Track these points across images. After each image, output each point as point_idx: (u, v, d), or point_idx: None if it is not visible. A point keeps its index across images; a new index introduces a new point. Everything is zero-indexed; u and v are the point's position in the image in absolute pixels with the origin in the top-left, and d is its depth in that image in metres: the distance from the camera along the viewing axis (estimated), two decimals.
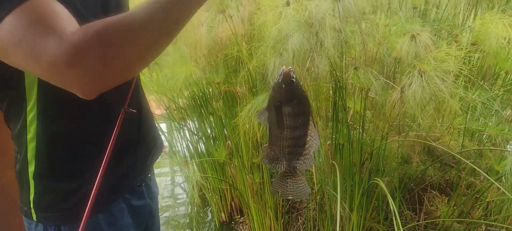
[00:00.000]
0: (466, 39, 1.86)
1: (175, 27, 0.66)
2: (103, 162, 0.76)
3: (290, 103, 0.73)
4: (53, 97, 0.77)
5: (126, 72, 0.64)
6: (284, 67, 0.72)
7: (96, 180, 0.75)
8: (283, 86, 0.72)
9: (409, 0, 2.45)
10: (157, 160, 1.08)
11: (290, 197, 0.82)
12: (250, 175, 2.53)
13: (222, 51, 1.96)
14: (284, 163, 0.79)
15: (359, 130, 2.14)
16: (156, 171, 1.19)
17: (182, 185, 3.80)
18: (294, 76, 0.73)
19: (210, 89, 2.50)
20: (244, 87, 2.11)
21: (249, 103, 1.56)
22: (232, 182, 2.86)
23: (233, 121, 1.87)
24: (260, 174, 2.52)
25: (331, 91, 1.81)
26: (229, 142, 2.62)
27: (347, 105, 2.01)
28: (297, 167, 0.80)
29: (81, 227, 0.73)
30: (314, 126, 0.77)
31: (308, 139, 0.77)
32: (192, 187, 2.84)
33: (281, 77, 0.72)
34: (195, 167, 2.95)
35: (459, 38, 1.88)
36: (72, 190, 0.85)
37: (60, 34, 0.58)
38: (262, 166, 2.52)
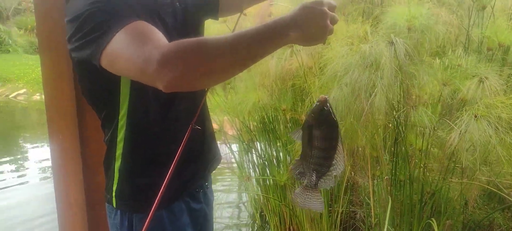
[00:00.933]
0: None
1: (250, 61, 0.82)
2: (171, 167, 0.94)
3: (320, 127, 0.84)
4: (139, 111, 0.99)
5: (199, 83, 0.81)
6: (322, 95, 0.84)
7: (165, 179, 0.94)
8: (318, 111, 0.83)
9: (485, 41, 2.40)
10: (222, 176, 1.25)
11: (306, 207, 0.92)
12: None
13: (289, 81, 2.12)
14: (308, 177, 0.90)
15: (422, 167, 2.13)
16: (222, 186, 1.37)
17: (245, 204, 3.97)
18: (328, 104, 0.83)
19: (278, 115, 2.66)
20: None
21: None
22: (292, 206, 2.95)
23: (290, 146, 1.99)
24: None
25: (391, 126, 1.86)
26: (292, 166, 2.74)
27: (410, 142, 2.03)
28: (318, 184, 0.90)
29: (148, 218, 0.92)
30: (342, 152, 0.87)
31: (333, 162, 0.88)
32: (253, 200, 2.98)
33: (317, 103, 0.84)
34: (256, 184, 3.10)
35: None
36: (145, 186, 1.05)
37: (156, 44, 0.78)
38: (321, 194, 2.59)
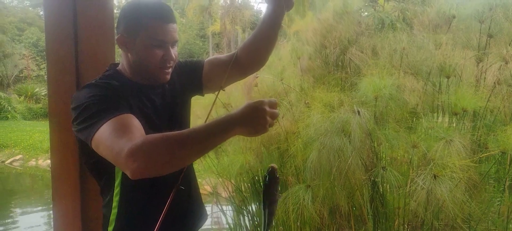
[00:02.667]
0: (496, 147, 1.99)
1: (204, 151, 0.98)
2: (157, 225, 1.09)
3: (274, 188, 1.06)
4: (130, 182, 1.16)
5: (160, 172, 0.95)
6: (272, 164, 1.05)
7: None
8: (271, 179, 1.05)
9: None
10: None
11: None
12: None
13: (275, 144, 2.30)
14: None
15: (402, 225, 2.25)
16: None
17: None
18: (271, 173, 1.05)
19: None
20: (293, 177, 2.39)
21: (284, 193, 1.83)
22: None
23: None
24: None
25: (365, 189, 2.01)
26: (281, 227, 2.84)
27: (387, 201, 2.18)
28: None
29: None
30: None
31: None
32: None
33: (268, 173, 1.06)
34: None
35: (488, 146, 2.01)
36: None
37: (129, 138, 0.94)
38: None
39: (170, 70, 1.20)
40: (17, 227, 6.25)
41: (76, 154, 1.45)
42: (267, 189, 1.07)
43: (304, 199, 1.86)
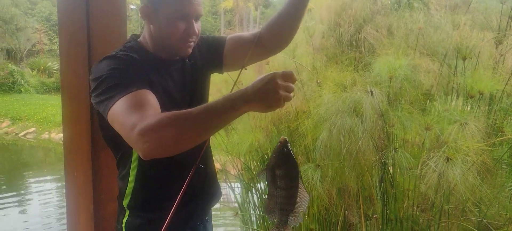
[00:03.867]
0: None
1: (213, 129, 0.94)
2: (175, 203, 1.09)
3: (281, 167, 0.91)
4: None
5: (171, 152, 0.92)
6: (282, 137, 0.94)
7: (168, 215, 1.09)
8: (278, 152, 0.91)
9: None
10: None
11: None
12: None
13: (285, 123, 2.29)
14: (278, 216, 0.97)
15: (411, 207, 2.24)
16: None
17: None
18: (288, 145, 0.91)
19: None
20: (303, 156, 2.39)
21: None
22: None
23: None
24: None
25: (375, 170, 1.99)
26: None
27: (398, 182, 2.16)
28: (288, 222, 0.97)
29: None
30: (304, 189, 0.96)
31: (297, 199, 0.95)
32: None
33: (278, 145, 0.91)
34: (255, 223, 3.18)
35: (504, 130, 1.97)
36: (151, 220, 1.20)
37: (142, 116, 0.92)
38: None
39: (192, 44, 1.18)
40: (31, 197, 6.43)
41: (88, 127, 1.46)
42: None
43: (313, 178, 1.85)
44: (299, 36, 2.81)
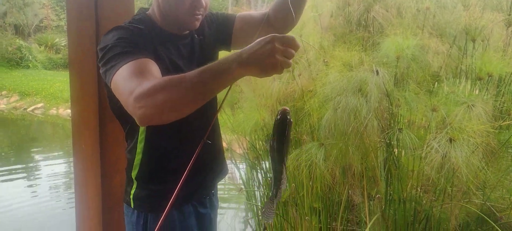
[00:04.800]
0: None
1: (208, 94, 0.91)
2: (183, 176, 1.11)
3: (274, 137, 0.93)
4: (156, 127, 1.17)
5: (166, 118, 0.91)
6: (283, 107, 0.94)
7: (176, 186, 1.11)
8: (274, 122, 0.93)
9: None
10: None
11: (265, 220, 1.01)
12: (307, 217, 2.74)
13: (290, 102, 2.29)
14: (273, 189, 0.99)
15: (414, 188, 2.25)
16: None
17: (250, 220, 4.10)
18: (284, 115, 0.91)
19: None
20: (308, 136, 2.40)
21: (297, 150, 1.84)
22: (293, 223, 3.07)
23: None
24: (317, 218, 2.71)
25: (380, 150, 2.00)
26: (294, 184, 2.88)
27: (402, 163, 2.17)
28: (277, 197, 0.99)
29: (163, 217, 1.09)
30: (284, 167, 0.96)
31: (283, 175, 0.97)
32: (255, 216, 3.10)
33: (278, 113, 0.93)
34: (259, 200, 3.23)
35: None
36: (159, 191, 1.23)
37: (140, 81, 0.92)
38: (318, 211, 2.72)
39: (200, 17, 1.18)
40: (39, 172, 6.56)
41: (95, 100, 1.48)
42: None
43: (316, 157, 1.87)
44: (307, 14, 2.78)
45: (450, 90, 2.34)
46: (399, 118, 1.96)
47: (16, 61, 16.16)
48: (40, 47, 19.04)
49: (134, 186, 1.24)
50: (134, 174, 1.23)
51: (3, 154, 7.72)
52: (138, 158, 1.22)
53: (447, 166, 1.76)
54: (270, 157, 0.98)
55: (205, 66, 0.90)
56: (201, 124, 1.24)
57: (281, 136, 0.94)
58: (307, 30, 2.51)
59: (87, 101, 1.50)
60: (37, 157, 7.62)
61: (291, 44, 0.88)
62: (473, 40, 2.34)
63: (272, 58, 0.85)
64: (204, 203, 1.36)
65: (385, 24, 2.29)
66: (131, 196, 1.25)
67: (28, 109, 12.02)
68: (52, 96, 12.40)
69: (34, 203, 4.97)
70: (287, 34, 0.89)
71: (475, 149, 1.82)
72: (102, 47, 1.06)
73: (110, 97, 1.15)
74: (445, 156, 1.75)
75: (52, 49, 19.34)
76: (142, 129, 1.19)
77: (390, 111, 1.80)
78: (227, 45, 1.38)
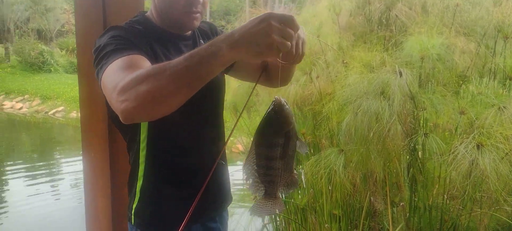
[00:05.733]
0: None
1: (195, 82, 0.79)
2: (195, 201, 1.03)
3: (270, 132, 0.81)
4: (159, 135, 1.10)
5: (153, 110, 0.80)
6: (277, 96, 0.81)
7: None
8: (271, 113, 0.80)
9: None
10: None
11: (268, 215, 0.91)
12: (327, 225, 2.64)
13: (308, 106, 2.20)
14: (268, 187, 0.87)
15: (441, 195, 2.12)
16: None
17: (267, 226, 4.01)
18: (281, 106, 0.80)
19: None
20: (327, 140, 2.30)
21: (315, 156, 1.74)
22: None
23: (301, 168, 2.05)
24: (337, 225, 2.61)
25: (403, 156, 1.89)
26: (312, 189, 2.78)
27: (428, 169, 2.05)
28: (280, 192, 0.88)
29: None
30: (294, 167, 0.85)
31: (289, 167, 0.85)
32: (273, 222, 3.01)
33: (271, 107, 0.80)
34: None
35: None
36: (162, 208, 1.14)
37: (126, 75, 0.82)
38: (338, 217, 2.62)
39: (197, 15, 1.10)
40: (61, 172, 6.68)
41: (104, 107, 1.42)
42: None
43: (335, 164, 1.77)
44: (325, 14, 2.68)
45: (478, 91, 2.21)
46: (423, 121, 1.84)
47: (39, 66, 16.55)
48: (61, 51, 19.46)
49: (136, 199, 1.16)
50: (137, 186, 1.15)
51: (27, 155, 7.89)
52: (141, 168, 1.14)
53: (474, 173, 1.63)
54: (260, 152, 0.84)
55: (192, 51, 0.79)
56: (206, 132, 1.17)
57: (280, 129, 0.82)
58: (325, 30, 2.41)
59: (96, 108, 1.45)
60: (59, 158, 7.78)
61: (290, 24, 0.76)
62: (506, 38, 2.20)
63: (268, 38, 0.73)
64: (214, 218, 1.28)
65: (408, 22, 2.17)
66: (133, 211, 1.17)
67: (49, 113, 12.27)
68: (72, 99, 12.62)
69: (56, 202, 5.07)
70: (286, 13, 0.77)
71: (505, 155, 1.69)
72: (96, 48, 1.00)
73: (108, 104, 1.10)
74: (473, 163, 1.63)
75: (73, 53, 19.73)
76: (143, 137, 1.11)
77: (415, 115, 1.69)
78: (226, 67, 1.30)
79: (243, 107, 1.06)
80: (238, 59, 0.79)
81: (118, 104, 0.80)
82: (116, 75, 0.86)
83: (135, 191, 1.16)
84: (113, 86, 0.83)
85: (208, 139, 1.17)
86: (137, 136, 1.12)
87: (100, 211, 1.50)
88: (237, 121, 1.19)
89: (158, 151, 1.13)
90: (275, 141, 0.82)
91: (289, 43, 0.76)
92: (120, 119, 0.82)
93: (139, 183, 1.15)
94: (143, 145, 1.12)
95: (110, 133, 1.44)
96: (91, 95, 1.48)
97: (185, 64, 0.78)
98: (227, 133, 1.37)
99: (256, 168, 0.86)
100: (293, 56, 0.86)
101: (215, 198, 1.24)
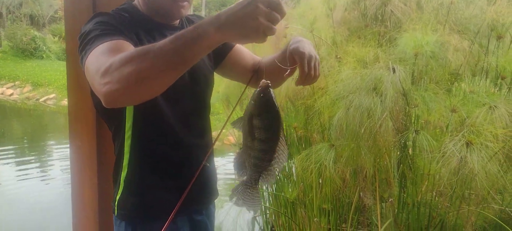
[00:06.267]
0: None
1: (180, 65, 0.79)
2: (182, 197, 1.02)
3: (260, 116, 0.79)
4: (144, 124, 1.08)
5: (137, 92, 0.78)
6: (264, 81, 0.80)
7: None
8: (257, 98, 0.79)
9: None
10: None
11: (243, 206, 0.89)
12: (316, 219, 2.65)
13: (300, 100, 2.19)
14: (249, 173, 0.86)
15: (429, 192, 2.13)
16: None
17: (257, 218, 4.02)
18: (270, 91, 0.79)
19: (290, 132, 2.72)
20: (318, 134, 2.29)
21: (306, 150, 1.73)
22: (302, 224, 2.98)
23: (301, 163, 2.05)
24: (326, 219, 2.61)
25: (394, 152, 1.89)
26: (302, 183, 2.79)
27: (417, 166, 2.05)
28: (260, 180, 0.87)
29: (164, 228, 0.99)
30: (284, 144, 0.84)
31: (275, 155, 0.84)
32: (263, 215, 3.02)
33: (258, 89, 0.79)
34: (267, 200, 3.14)
35: None
36: (146, 198, 1.12)
37: (110, 58, 0.80)
38: (328, 212, 2.62)
39: (185, 4, 1.08)
40: (52, 159, 6.63)
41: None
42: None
43: (326, 159, 1.76)
44: (319, 8, 2.66)
45: (470, 89, 2.21)
46: (415, 118, 1.84)
47: (30, 52, 16.32)
48: (54, 38, 19.19)
49: (120, 190, 1.13)
50: (122, 176, 1.12)
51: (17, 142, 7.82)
52: (126, 158, 1.11)
53: (463, 171, 1.64)
54: (248, 136, 0.83)
55: (178, 33, 0.78)
56: (192, 123, 1.15)
57: (267, 114, 0.80)
58: (319, 24, 2.40)
59: (83, 95, 1.42)
60: (50, 145, 7.73)
61: (277, 8, 0.76)
62: (499, 37, 2.20)
63: (255, 20, 0.73)
64: (200, 210, 1.26)
65: (404, 18, 2.16)
66: (117, 202, 1.14)
67: (40, 100, 12.14)
68: (64, 87, 12.46)
69: (46, 186, 5.11)
70: None
71: (494, 155, 1.70)
72: (80, 34, 0.98)
73: (92, 93, 1.06)
74: (462, 160, 1.63)
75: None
76: (128, 125, 1.09)
77: (406, 112, 1.68)
78: (214, 63, 1.27)
79: (236, 102, 1.06)
80: (224, 41, 0.78)
81: (100, 87, 0.79)
82: (100, 58, 0.84)
83: (119, 181, 1.14)
84: (96, 69, 0.81)
85: (195, 130, 1.15)
86: (122, 125, 1.10)
87: (87, 201, 1.48)
88: (230, 115, 1.18)
89: (143, 140, 1.11)
90: (255, 122, 0.81)
91: (275, 27, 0.76)
92: (103, 102, 0.80)
93: (123, 173, 1.12)
94: (128, 134, 1.10)
95: (98, 123, 1.42)
96: (79, 82, 1.45)
97: (171, 46, 0.77)
98: (220, 124, 1.35)
99: (246, 149, 0.85)
100: (311, 78, 0.91)
101: (202, 191, 1.23)
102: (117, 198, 1.13)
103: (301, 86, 2.12)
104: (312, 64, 0.93)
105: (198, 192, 1.19)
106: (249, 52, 1.30)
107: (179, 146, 1.11)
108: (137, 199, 1.12)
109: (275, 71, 1.06)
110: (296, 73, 0.99)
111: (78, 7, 1.41)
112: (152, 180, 1.13)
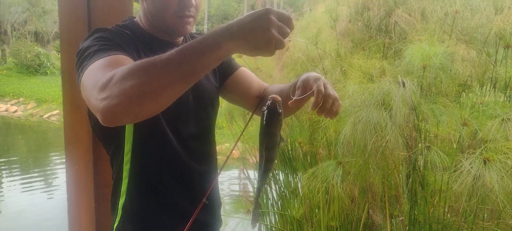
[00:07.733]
0: None
1: (188, 77, 0.74)
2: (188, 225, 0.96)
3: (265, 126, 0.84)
4: (143, 148, 1.02)
5: (139, 107, 0.72)
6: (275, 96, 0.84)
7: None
8: (265, 109, 0.84)
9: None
10: None
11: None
12: None
13: (305, 115, 2.13)
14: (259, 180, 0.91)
15: (442, 208, 2.05)
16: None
17: None
18: (273, 104, 0.83)
19: (296, 148, 2.65)
20: (324, 150, 2.22)
21: (313, 168, 1.66)
22: None
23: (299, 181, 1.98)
24: None
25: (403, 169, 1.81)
26: (308, 200, 2.70)
27: (427, 182, 1.97)
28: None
29: None
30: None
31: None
32: None
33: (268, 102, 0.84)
34: (273, 218, 3.06)
35: None
36: (145, 227, 1.06)
37: (108, 72, 0.75)
38: (335, 229, 2.54)
39: (190, 20, 1.02)
40: (56, 175, 6.62)
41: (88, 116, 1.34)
42: (267, 127, 0.84)
43: (333, 178, 1.69)
44: (323, 20, 2.61)
45: (481, 101, 2.14)
46: (425, 133, 1.76)
47: (35, 68, 16.45)
48: (58, 54, 19.34)
49: (118, 218, 1.07)
50: (120, 203, 1.06)
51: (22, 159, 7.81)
52: (124, 183, 1.05)
53: (479, 189, 1.56)
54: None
55: (186, 44, 0.74)
56: (196, 148, 1.09)
57: (267, 132, 0.85)
58: (323, 36, 2.34)
59: (79, 116, 1.36)
60: (54, 161, 7.72)
61: (287, 22, 0.75)
62: (507, 46, 2.13)
63: (268, 33, 0.72)
64: None
65: (408, 29, 2.10)
66: None
67: (44, 116, 12.15)
68: None
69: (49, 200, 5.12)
70: (283, 10, 0.77)
71: (510, 169, 1.62)
72: (78, 50, 0.92)
73: (90, 113, 1.01)
74: (478, 178, 1.56)
75: None
76: (127, 149, 1.03)
77: (416, 126, 1.62)
78: (220, 81, 1.22)
79: (247, 122, 1.01)
80: (235, 52, 0.75)
81: (98, 102, 0.72)
82: (98, 74, 0.78)
83: (118, 209, 1.08)
84: (94, 84, 0.75)
85: (199, 156, 1.09)
86: (121, 148, 1.04)
87: (84, 225, 1.41)
88: (239, 136, 1.12)
89: (143, 165, 1.05)
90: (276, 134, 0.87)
91: (285, 41, 0.75)
92: (100, 120, 0.73)
93: (122, 200, 1.06)
94: (127, 158, 1.04)
95: (94, 144, 1.36)
96: (75, 103, 1.40)
97: (179, 57, 0.72)
98: (223, 139, 1.29)
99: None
100: (333, 114, 0.96)
101: (205, 226, 1.16)
102: (115, 226, 1.08)
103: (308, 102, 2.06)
104: (331, 101, 0.94)
105: (201, 227, 1.12)
106: (256, 77, 1.25)
107: (181, 173, 1.05)
108: (136, 228, 1.06)
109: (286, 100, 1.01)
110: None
111: (73, 23, 1.37)
112: (152, 209, 1.07)
